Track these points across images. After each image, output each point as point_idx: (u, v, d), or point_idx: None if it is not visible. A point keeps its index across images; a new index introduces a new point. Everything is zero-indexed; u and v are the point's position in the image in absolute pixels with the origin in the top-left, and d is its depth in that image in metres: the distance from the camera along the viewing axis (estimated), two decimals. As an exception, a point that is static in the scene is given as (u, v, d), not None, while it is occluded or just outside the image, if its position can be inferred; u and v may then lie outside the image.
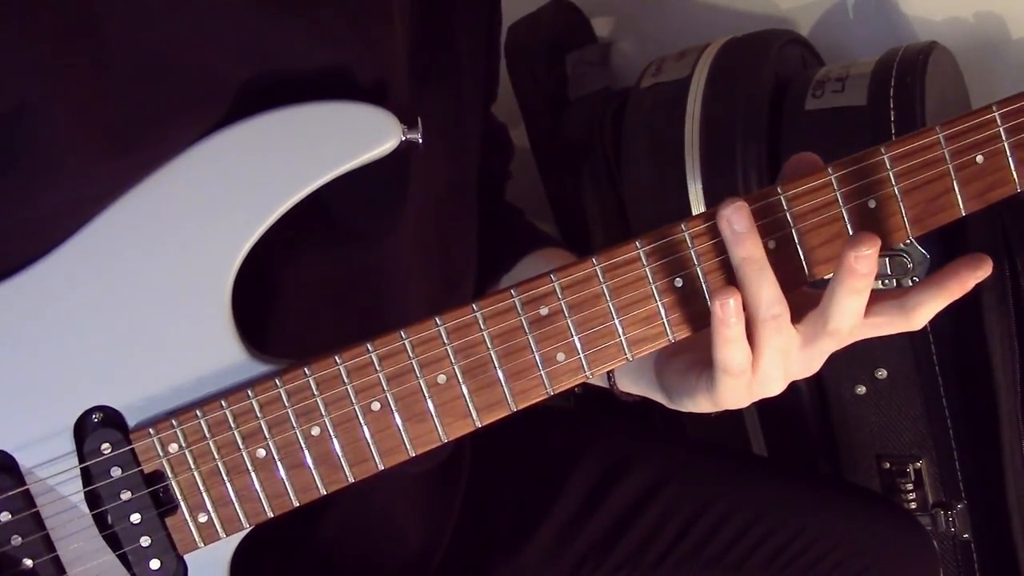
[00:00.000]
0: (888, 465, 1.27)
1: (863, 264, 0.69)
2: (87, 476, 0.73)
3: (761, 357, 0.74)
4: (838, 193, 0.74)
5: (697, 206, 1.22)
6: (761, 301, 0.72)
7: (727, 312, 0.71)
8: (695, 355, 0.80)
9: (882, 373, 1.22)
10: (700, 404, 0.80)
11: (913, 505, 1.27)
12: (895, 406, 1.24)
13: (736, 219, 0.71)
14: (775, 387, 0.78)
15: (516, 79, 1.53)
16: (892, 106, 1.16)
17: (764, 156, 1.22)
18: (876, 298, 0.74)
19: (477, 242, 0.97)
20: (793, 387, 1.24)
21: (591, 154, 1.40)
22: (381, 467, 0.75)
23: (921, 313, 0.73)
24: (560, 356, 0.75)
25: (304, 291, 0.81)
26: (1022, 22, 1.34)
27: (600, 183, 1.40)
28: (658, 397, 0.87)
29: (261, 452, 0.74)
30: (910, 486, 1.26)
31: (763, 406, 1.30)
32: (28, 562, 0.72)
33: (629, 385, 0.91)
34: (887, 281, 0.95)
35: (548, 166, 1.54)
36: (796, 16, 1.49)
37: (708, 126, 1.23)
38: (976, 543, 1.28)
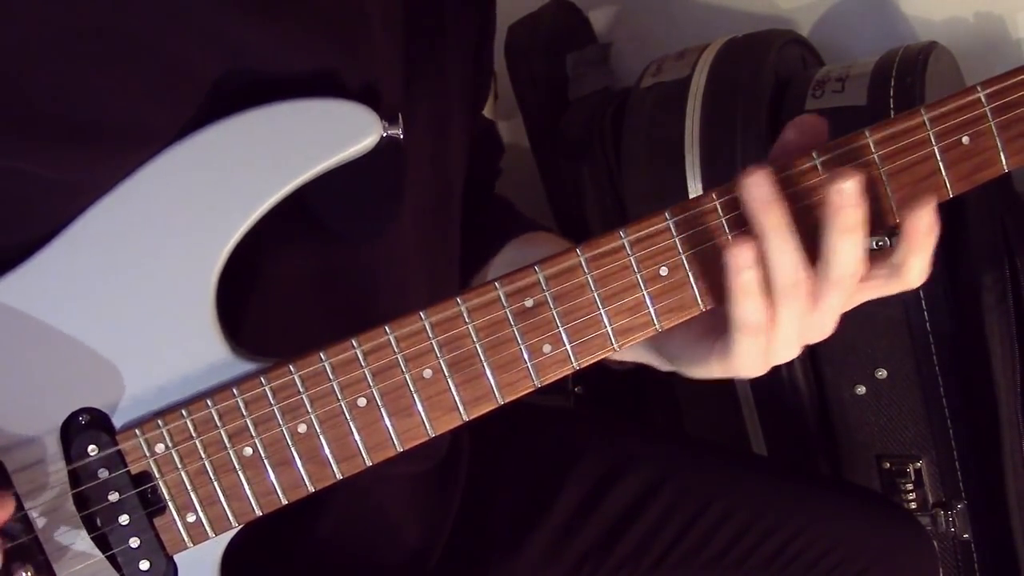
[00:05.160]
0: (888, 465, 1.27)
1: (846, 197, 0.68)
2: (75, 478, 0.73)
3: (779, 319, 0.72)
4: (824, 178, 0.73)
5: (697, 205, 1.22)
6: (786, 267, 0.71)
7: (745, 260, 0.70)
8: (709, 321, 0.78)
9: (882, 373, 1.21)
10: (712, 370, 0.79)
11: (913, 505, 1.26)
12: (895, 406, 1.23)
13: (759, 186, 0.71)
14: (790, 351, 0.76)
15: (516, 79, 1.53)
16: (892, 106, 1.16)
17: (764, 156, 1.21)
18: (871, 259, 0.73)
19: (460, 247, 0.97)
20: (793, 387, 1.24)
21: (591, 154, 1.40)
22: (369, 463, 0.74)
23: (910, 268, 0.71)
24: (546, 348, 0.74)
25: (290, 291, 0.80)
26: (1022, 22, 1.34)
27: (600, 183, 1.40)
28: (654, 362, 0.86)
29: (248, 450, 0.73)
30: (910, 486, 1.26)
31: (763, 406, 1.30)
32: (17, 565, 0.72)
33: (622, 353, 0.89)
34: (879, 243, 0.94)
35: (548, 166, 1.54)
36: (796, 16, 1.48)
37: (708, 126, 1.23)
38: (976, 543, 1.28)
